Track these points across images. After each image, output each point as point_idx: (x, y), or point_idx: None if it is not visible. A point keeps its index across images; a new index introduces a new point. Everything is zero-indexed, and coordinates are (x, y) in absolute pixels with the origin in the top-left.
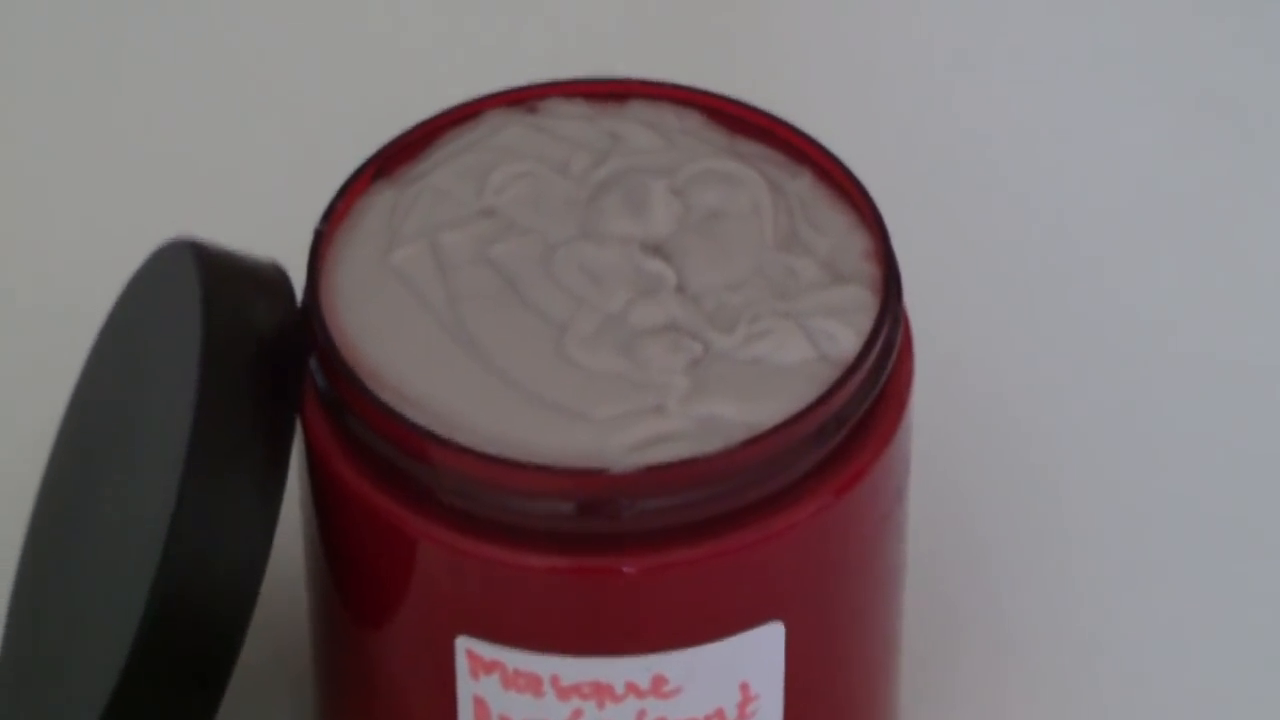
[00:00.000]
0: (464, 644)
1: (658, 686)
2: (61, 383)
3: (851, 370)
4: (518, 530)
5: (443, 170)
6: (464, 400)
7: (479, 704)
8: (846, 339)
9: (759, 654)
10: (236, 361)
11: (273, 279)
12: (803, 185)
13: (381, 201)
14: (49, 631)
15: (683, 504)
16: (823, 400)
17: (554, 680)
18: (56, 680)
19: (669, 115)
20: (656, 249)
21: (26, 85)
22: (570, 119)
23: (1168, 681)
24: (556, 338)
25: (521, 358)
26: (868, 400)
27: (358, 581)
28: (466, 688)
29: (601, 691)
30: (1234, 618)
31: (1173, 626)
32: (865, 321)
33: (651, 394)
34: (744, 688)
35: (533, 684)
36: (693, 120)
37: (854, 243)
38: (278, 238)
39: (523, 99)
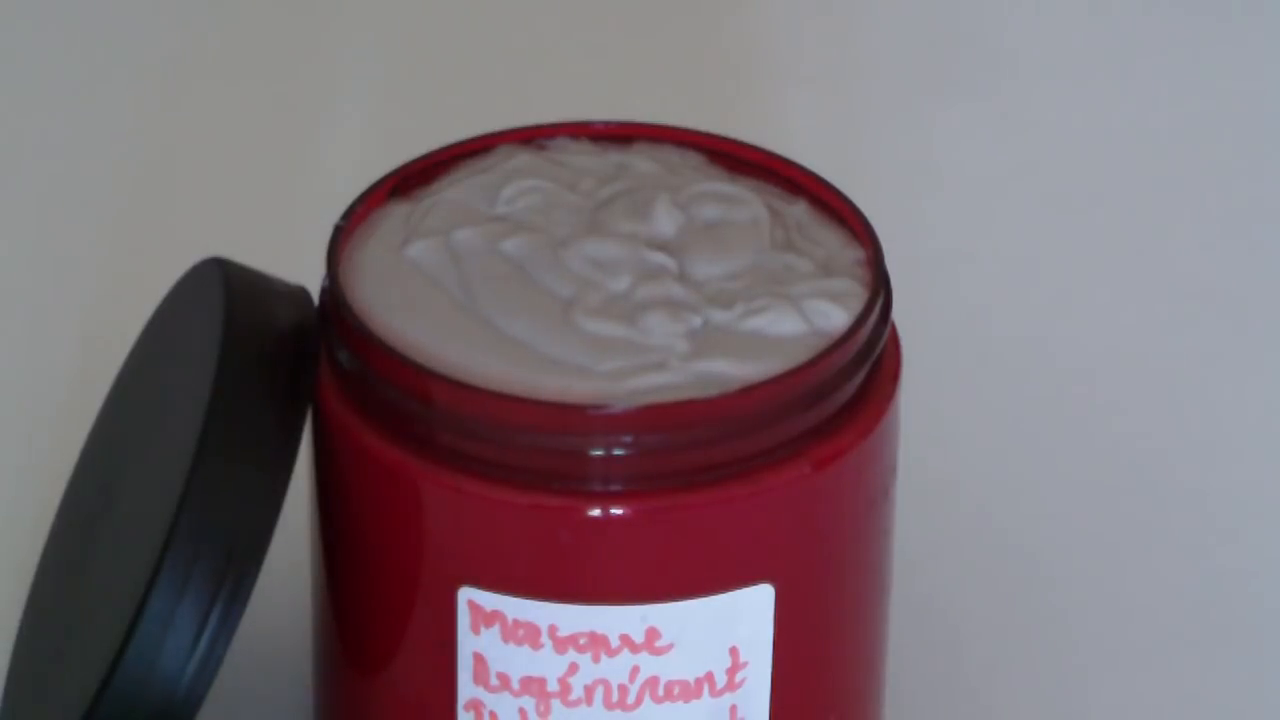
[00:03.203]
0: (465, 595)
1: (650, 640)
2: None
3: (845, 338)
4: (517, 471)
5: (456, 188)
6: (473, 358)
7: (478, 660)
8: (839, 317)
9: (748, 616)
10: (253, 356)
11: (294, 291)
12: (799, 210)
13: (397, 212)
14: (63, 620)
15: (677, 448)
16: (818, 359)
17: (552, 630)
18: (69, 654)
19: (672, 154)
20: (661, 246)
21: (77, 115)
22: (578, 154)
23: None
24: (564, 311)
25: (530, 326)
26: (858, 377)
27: (363, 539)
28: (467, 643)
29: (597, 643)
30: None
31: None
32: (857, 305)
33: (653, 354)
34: (734, 652)
35: (531, 635)
36: (695, 158)
37: (847, 254)
38: (304, 259)
39: (532, 136)
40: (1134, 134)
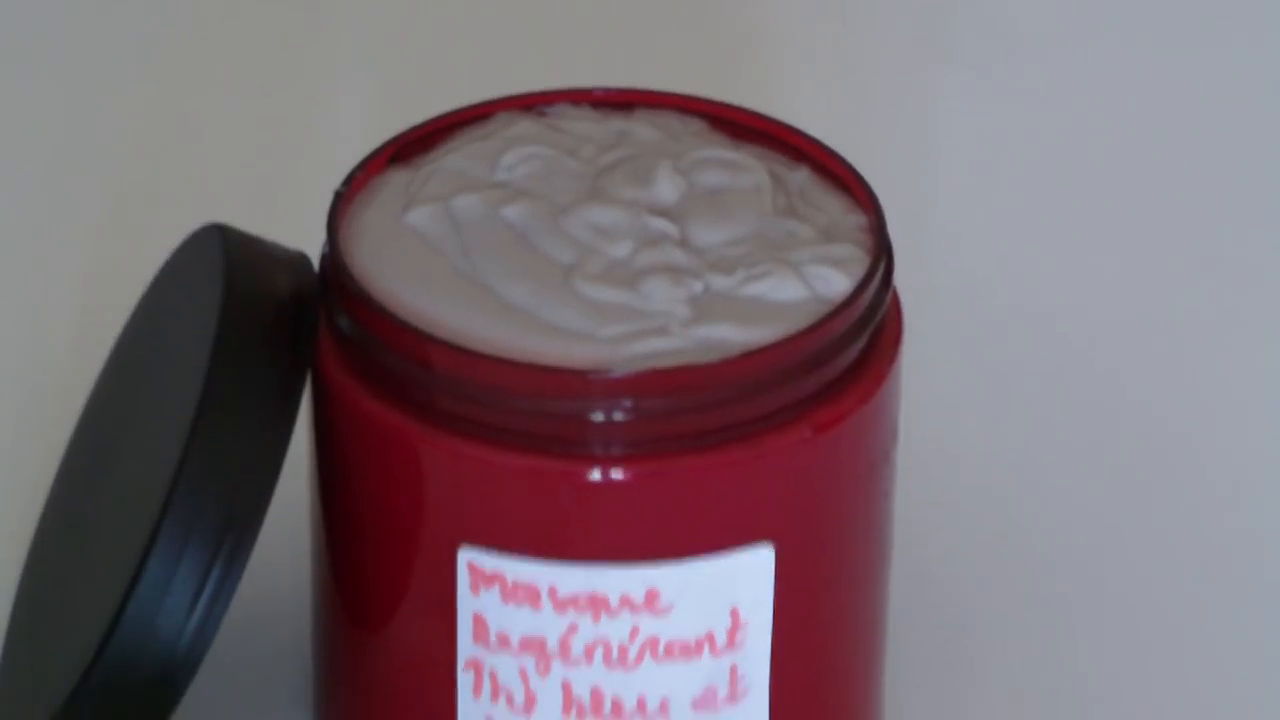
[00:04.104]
0: (465, 556)
1: (651, 601)
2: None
3: (846, 304)
4: (518, 435)
5: (456, 155)
6: (473, 324)
7: (478, 621)
8: (840, 282)
9: (749, 577)
10: (252, 321)
11: (294, 257)
12: (801, 176)
13: (397, 179)
14: (61, 582)
15: (678, 413)
16: (819, 325)
17: (551, 591)
18: (68, 615)
19: (674, 121)
20: (662, 213)
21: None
22: (579, 120)
23: None
24: (565, 277)
25: (531, 292)
26: (859, 342)
27: (363, 503)
28: (467, 603)
29: (597, 604)
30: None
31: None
32: (858, 271)
33: (654, 320)
34: (734, 613)
35: (531, 596)
36: (696, 125)
37: (850, 220)
38: (304, 225)
39: (533, 103)
40: (1138, 104)
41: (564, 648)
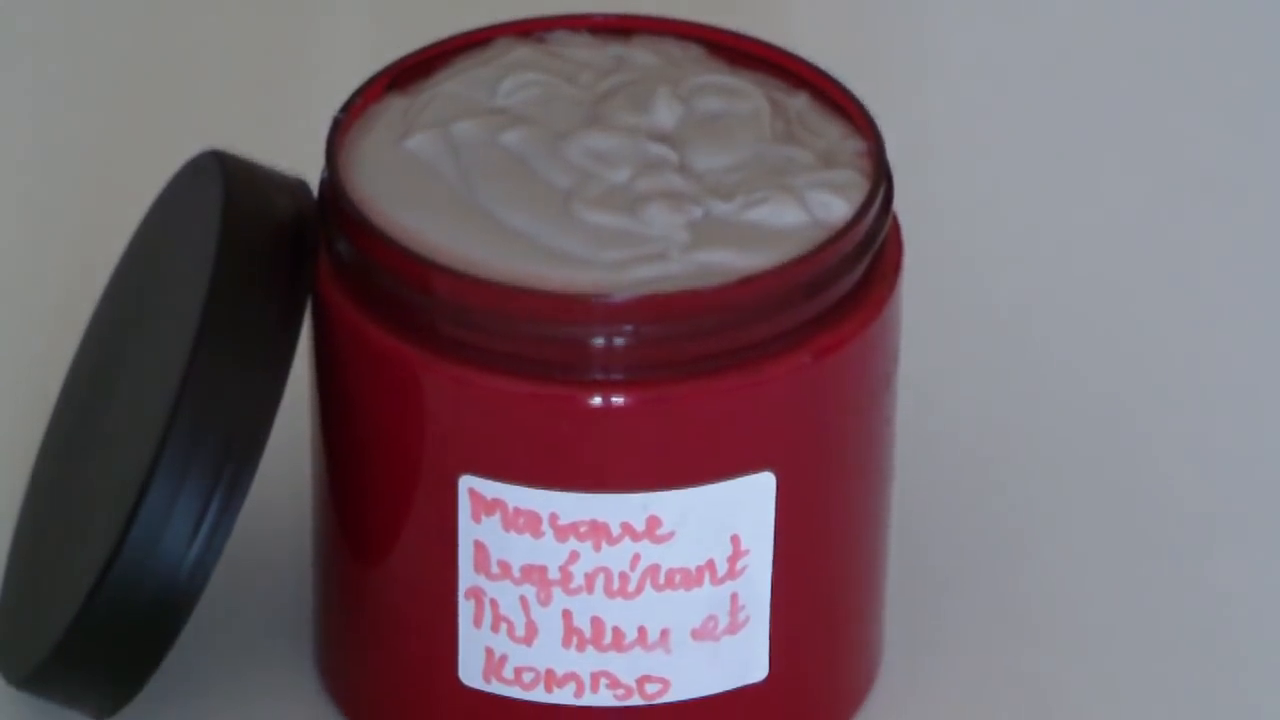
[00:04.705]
0: (466, 483)
1: (652, 529)
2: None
3: (846, 230)
4: (519, 360)
5: (454, 81)
6: (473, 250)
7: (479, 549)
8: (840, 208)
9: (750, 504)
10: (252, 247)
11: (293, 183)
12: (800, 101)
13: (395, 106)
14: (62, 511)
15: (678, 338)
16: (819, 250)
17: (553, 519)
18: (69, 544)
19: (673, 47)
20: (661, 138)
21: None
22: (577, 46)
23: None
24: (564, 202)
25: (530, 217)
26: (859, 267)
27: (363, 429)
28: (468, 531)
29: (598, 531)
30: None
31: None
32: (858, 196)
33: (654, 245)
34: (735, 540)
35: (532, 523)
36: (695, 51)
37: (849, 145)
38: (303, 152)
39: (531, 29)
40: (1139, 22)
41: (565, 576)
